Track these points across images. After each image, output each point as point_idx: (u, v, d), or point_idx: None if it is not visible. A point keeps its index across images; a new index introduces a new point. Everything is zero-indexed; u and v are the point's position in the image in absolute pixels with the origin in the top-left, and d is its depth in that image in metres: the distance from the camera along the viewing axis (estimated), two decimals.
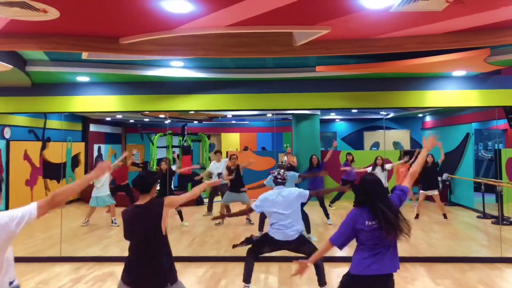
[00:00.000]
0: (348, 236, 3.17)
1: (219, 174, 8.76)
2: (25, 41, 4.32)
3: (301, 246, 4.72)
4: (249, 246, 4.86)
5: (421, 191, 8.89)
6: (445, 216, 8.72)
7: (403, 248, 6.75)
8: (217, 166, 9.19)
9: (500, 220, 7.45)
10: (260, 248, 4.85)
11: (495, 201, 8.58)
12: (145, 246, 3.25)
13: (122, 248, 6.98)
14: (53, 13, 3.55)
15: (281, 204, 4.72)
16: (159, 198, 3.37)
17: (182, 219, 8.59)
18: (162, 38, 4.34)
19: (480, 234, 8.16)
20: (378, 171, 8.79)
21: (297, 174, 7.90)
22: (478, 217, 8.93)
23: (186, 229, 8.24)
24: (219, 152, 9.57)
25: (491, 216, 8.62)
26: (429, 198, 9.71)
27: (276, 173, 4.97)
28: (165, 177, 8.35)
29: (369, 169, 8.93)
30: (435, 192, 8.79)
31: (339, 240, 3.17)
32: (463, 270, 5.84)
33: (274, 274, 5.69)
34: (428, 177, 8.87)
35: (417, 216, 8.85)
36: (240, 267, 5.80)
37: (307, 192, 4.83)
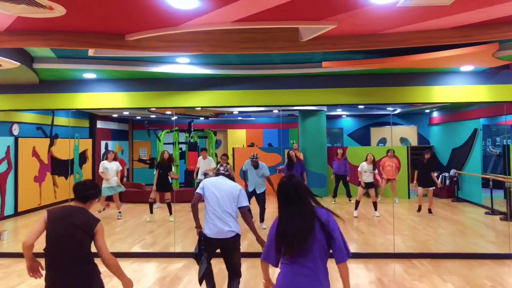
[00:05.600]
0: (273, 248, 2.72)
1: (205, 174, 9.01)
2: (32, 38, 4.34)
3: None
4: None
5: (418, 186, 8.98)
6: (430, 211, 8.93)
7: (410, 244, 6.76)
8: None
9: (508, 216, 7.40)
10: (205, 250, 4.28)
11: (504, 197, 8.52)
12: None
13: (129, 244, 7.04)
14: (59, 10, 3.56)
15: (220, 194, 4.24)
16: (93, 216, 3.09)
17: (170, 212, 8.69)
18: (168, 35, 4.34)
19: (488, 231, 8.11)
20: (368, 169, 8.95)
21: (267, 170, 8.05)
22: (486, 213, 8.88)
23: (191, 225, 8.26)
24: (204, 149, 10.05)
25: (500, 212, 8.57)
26: (436, 194, 9.67)
27: (219, 166, 4.59)
28: (166, 167, 8.75)
29: (360, 166, 9.05)
30: (429, 188, 8.96)
31: (266, 255, 2.77)
32: (471, 266, 5.81)
33: None
34: (423, 174, 9.00)
35: (419, 209, 8.94)
36: (246, 263, 5.82)
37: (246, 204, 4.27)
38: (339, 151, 10.13)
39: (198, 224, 4.30)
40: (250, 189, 8.00)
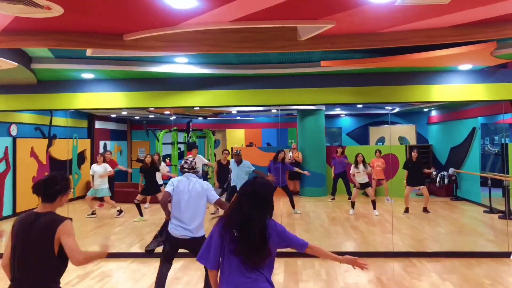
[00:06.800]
0: (215, 247, 2.55)
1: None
2: (30, 39, 4.33)
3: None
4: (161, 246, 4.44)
5: (407, 186, 8.96)
6: (425, 209, 8.95)
7: (409, 243, 6.76)
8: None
9: (507, 214, 7.41)
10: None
11: (502, 196, 8.54)
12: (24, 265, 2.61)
13: (128, 244, 7.03)
14: (57, 10, 3.56)
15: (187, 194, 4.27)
16: (60, 217, 2.68)
17: (141, 213, 8.69)
18: (166, 34, 4.33)
19: (486, 229, 8.12)
20: (360, 169, 8.97)
21: (251, 165, 8.27)
22: (484, 211, 8.90)
23: None
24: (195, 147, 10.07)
25: (498, 210, 8.59)
26: (434, 193, 9.70)
27: (183, 161, 4.49)
28: (149, 171, 8.68)
29: (352, 168, 9.17)
30: (421, 187, 8.97)
31: (203, 256, 2.59)
32: (470, 265, 5.81)
33: (280, 269, 5.70)
34: (413, 173, 9.00)
35: (406, 210, 8.92)
36: None
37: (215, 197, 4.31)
38: (339, 149, 10.16)
39: (168, 214, 4.38)
40: (232, 184, 8.20)
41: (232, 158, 8.76)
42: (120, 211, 9.06)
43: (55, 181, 2.70)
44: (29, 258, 2.58)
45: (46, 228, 2.60)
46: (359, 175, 8.95)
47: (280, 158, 9.07)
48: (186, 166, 4.45)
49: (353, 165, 9.08)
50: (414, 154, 9.09)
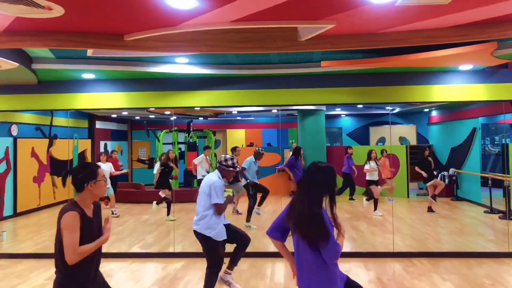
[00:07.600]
0: (283, 228, 2.80)
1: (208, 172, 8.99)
2: (30, 39, 4.34)
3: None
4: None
5: (428, 184, 9.01)
6: (430, 209, 8.97)
7: (409, 243, 6.76)
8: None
9: (507, 215, 7.41)
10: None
11: (503, 196, 8.54)
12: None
13: (128, 244, 7.03)
14: (58, 10, 3.56)
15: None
16: (68, 207, 2.61)
17: (168, 212, 8.69)
18: (166, 35, 4.34)
19: (487, 229, 8.12)
20: (373, 165, 9.00)
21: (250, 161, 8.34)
22: (485, 212, 8.89)
23: (190, 225, 8.26)
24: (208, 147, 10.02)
25: (498, 211, 8.58)
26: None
27: (223, 158, 4.56)
28: (169, 166, 8.79)
29: (367, 165, 9.16)
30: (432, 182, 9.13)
31: (272, 231, 2.84)
32: (470, 265, 5.81)
33: (281, 270, 5.71)
34: (429, 169, 9.16)
35: (430, 209, 8.98)
36: (246, 263, 5.82)
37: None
38: (350, 151, 10.20)
39: None
40: (252, 180, 8.29)
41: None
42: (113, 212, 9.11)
43: (78, 170, 2.68)
44: (55, 249, 2.61)
45: (58, 218, 2.59)
46: (374, 172, 8.98)
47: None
48: (224, 164, 4.52)
49: (369, 162, 9.08)
50: (427, 152, 9.21)
